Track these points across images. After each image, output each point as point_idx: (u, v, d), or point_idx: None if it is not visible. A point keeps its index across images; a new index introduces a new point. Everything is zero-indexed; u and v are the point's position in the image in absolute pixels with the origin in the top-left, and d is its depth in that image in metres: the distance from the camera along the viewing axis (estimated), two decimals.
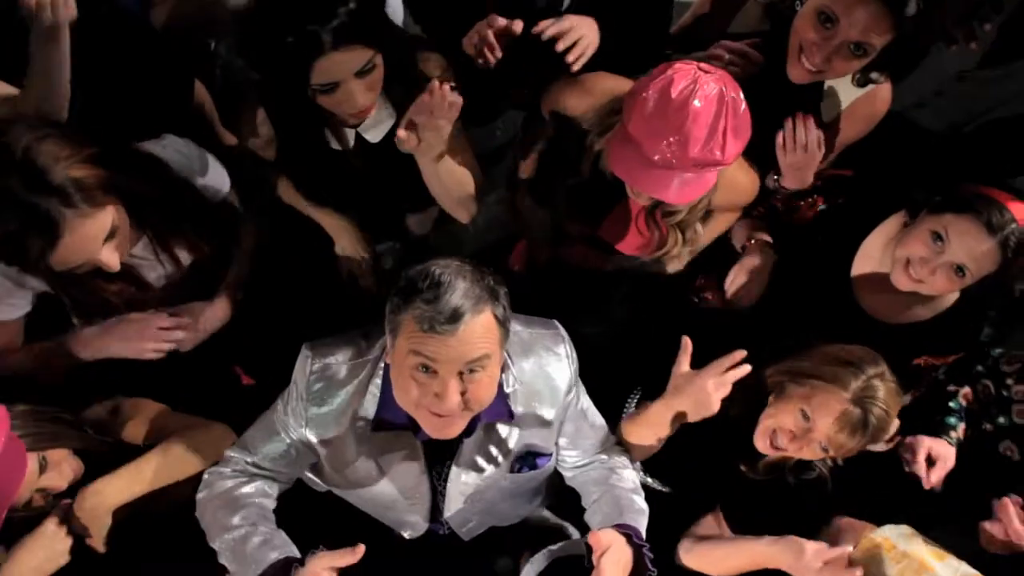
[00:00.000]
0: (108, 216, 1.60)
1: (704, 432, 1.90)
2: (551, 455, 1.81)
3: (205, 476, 1.73)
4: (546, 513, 2.13)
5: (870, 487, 1.95)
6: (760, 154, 1.95)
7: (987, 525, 1.78)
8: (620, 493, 1.76)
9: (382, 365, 1.64)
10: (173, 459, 1.77)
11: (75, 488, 1.72)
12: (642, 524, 1.72)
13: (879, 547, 1.74)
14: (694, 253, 2.04)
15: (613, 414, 2.04)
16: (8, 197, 1.49)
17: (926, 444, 1.90)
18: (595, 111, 1.86)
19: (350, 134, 1.95)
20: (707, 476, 1.98)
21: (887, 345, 1.83)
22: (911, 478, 1.96)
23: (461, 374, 1.49)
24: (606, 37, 1.94)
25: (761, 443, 1.85)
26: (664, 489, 2.06)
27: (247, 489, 1.69)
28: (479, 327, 1.47)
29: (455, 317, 1.43)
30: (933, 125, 2.40)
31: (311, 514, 1.82)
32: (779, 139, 1.93)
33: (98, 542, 1.69)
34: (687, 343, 1.77)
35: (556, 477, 1.93)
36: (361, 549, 1.47)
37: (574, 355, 1.77)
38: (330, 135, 1.94)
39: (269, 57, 1.72)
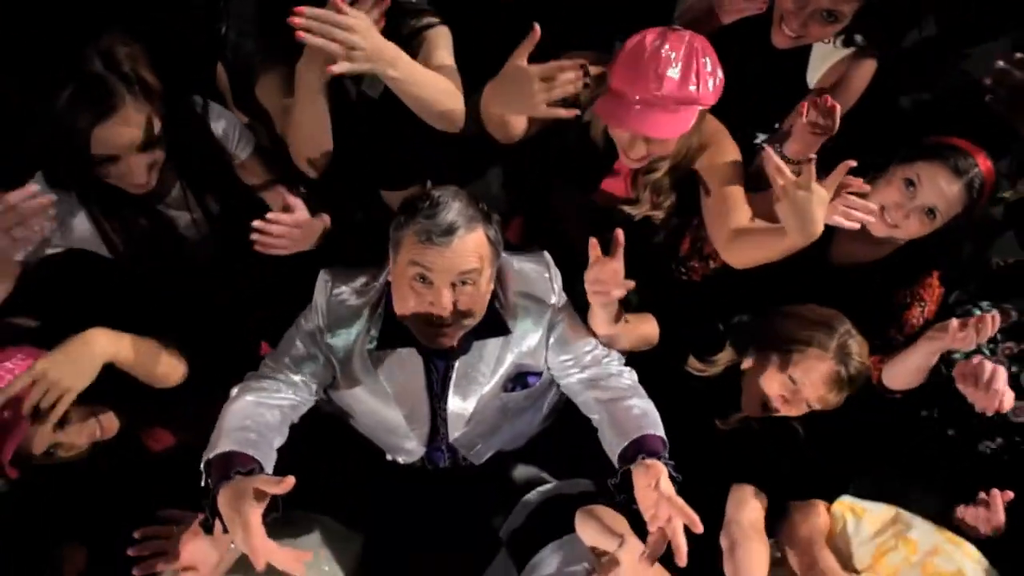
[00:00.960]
0: (153, 123, 1.73)
1: (680, 393, 2.03)
2: (541, 373, 1.92)
3: (246, 377, 1.84)
4: (543, 474, 2.22)
5: (839, 432, 2.01)
6: (752, 118, 2.10)
7: (969, 510, 1.86)
8: (619, 409, 1.81)
9: (388, 290, 1.78)
10: (156, 354, 1.87)
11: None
12: (653, 426, 1.76)
13: (844, 515, 1.84)
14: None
15: None
16: (82, 67, 1.65)
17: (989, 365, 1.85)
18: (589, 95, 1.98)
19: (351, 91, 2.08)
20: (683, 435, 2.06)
21: (861, 286, 2.00)
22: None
23: (454, 285, 1.65)
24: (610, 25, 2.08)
25: (753, 410, 1.96)
26: None
27: (274, 399, 1.79)
28: (472, 242, 1.64)
29: (450, 230, 1.60)
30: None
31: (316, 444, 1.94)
32: (803, 109, 1.92)
33: (68, 398, 1.69)
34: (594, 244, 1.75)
35: (558, 399, 2.05)
36: (290, 481, 1.46)
37: (559, 278, 1.91)
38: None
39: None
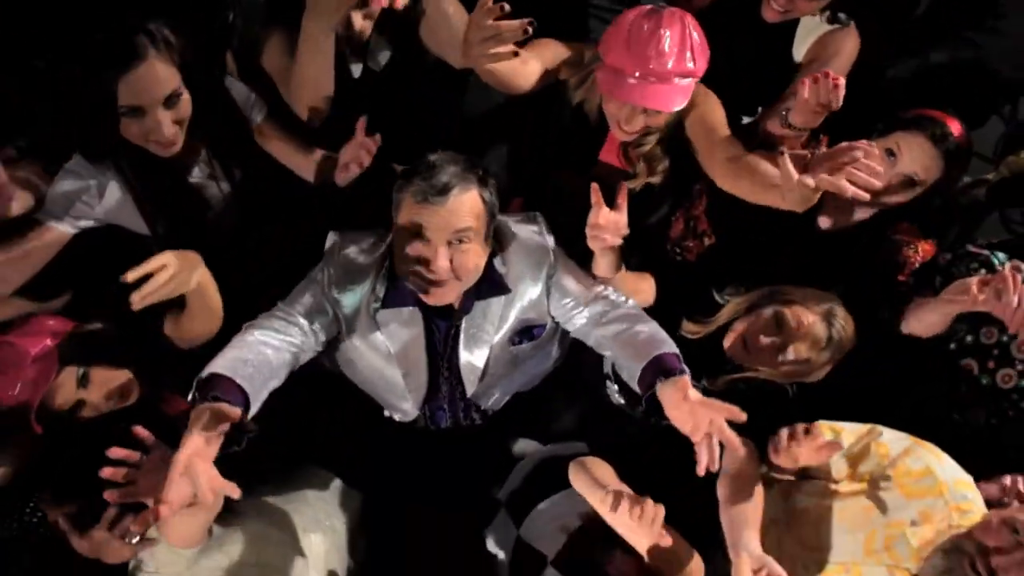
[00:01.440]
0: (176, 78, 1.82)
1: None
2: (546, 324, 2.00)
3: (259, 316, 1.90)
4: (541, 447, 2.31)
5: (825, 390, 2.06)
6: (740, 93, 2.17)
7: (993, 489, 1.90)
8: (628, 339, 1.87)
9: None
10: (217, 294, 1.98)
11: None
12: (662, 345, 1.80)
13: (823, 432, 1.89)
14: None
15: None
16: (114, 19, 1.78)
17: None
18: (576, 75, 2.12)
19: (356, 69, 2.18)
20: None
21: (849, 249, 2.14)
22: None
23: (450, 243, 1.73)
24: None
25: (730, 345, 2.03)
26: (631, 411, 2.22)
27: (281, 340, 1.84)
28: (466, 202, 1.73)
29: (444, 190, 1.70)
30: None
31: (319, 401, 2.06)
32: (806, 83, 1.91)
33: (174, 292, 1.80)
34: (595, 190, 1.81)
35: (566, 340, 2.15)
36: (236, 412, 1.57)
37: (550, 234, 1.99)
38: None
39: None
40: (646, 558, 1.78)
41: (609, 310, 1.93)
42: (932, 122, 2.02)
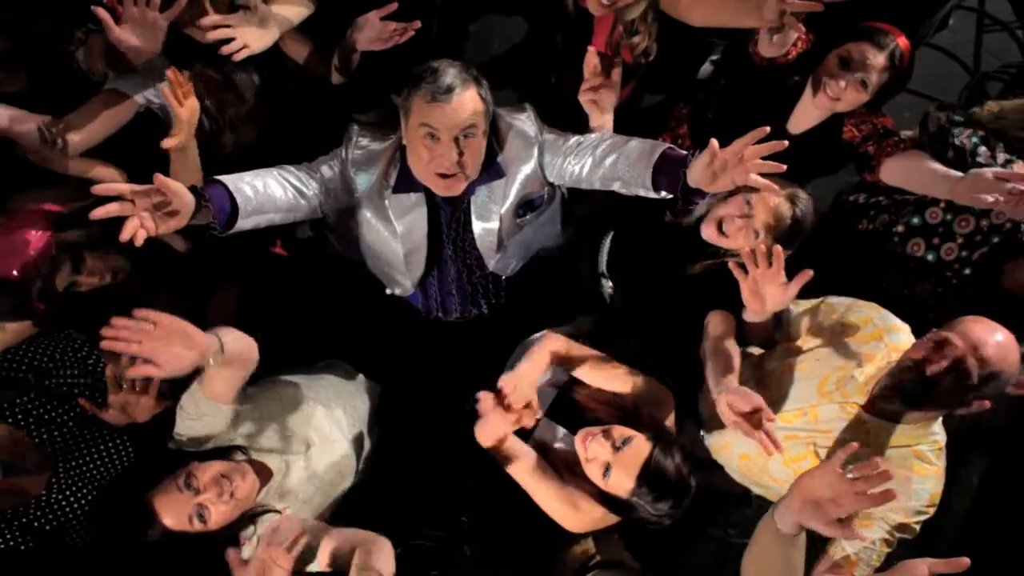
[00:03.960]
0: None
1: (655, 240, 2.37)
2: (544, 195, 2.25)
3: None
4: None
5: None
6: None
7: None
8: (624, 162, 2.06)
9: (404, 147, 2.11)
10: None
11: None
12: (656, 147, 2.01)
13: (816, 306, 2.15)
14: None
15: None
16: None
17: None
18: None
19: None
20: (655, 275, 2.39)
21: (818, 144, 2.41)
22: None
23: (457, 139, 1.97)
24: None
25: (707, 230, 2.25)
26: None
27: (295, 181, 2.08)
28: (468, 99, 1.97)
29: (449, 89, 1.93)
30: None
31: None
32: None
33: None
34: None
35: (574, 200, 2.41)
36: (188, 199, 1.78)
37: (536, 114, 2.22)
38: None
39: None
40: (628, 391, 2.02)
41: (593, 151, 2.13)
42: (878, 31, 2.28)
